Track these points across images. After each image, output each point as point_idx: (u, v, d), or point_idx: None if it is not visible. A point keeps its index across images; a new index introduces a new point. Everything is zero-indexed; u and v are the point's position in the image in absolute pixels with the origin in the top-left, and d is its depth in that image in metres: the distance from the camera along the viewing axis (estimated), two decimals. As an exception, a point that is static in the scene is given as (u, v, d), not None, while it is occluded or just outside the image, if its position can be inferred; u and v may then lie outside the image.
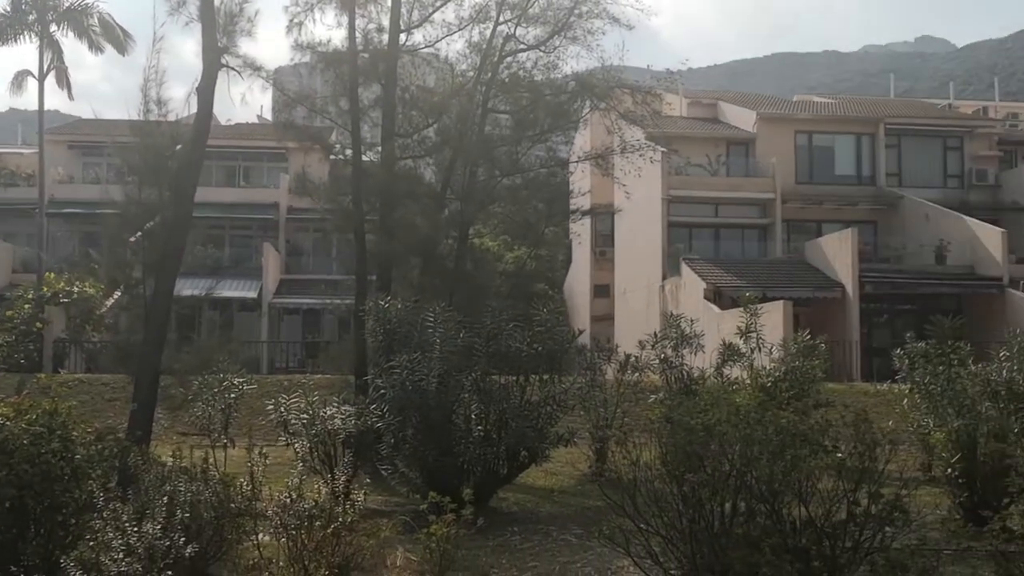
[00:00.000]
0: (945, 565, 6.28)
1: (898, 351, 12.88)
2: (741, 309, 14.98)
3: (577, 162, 26.20)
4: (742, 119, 39.77)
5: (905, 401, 12.09)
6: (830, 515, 6.04)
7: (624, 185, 25.61)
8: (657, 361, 14.01)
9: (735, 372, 13.91)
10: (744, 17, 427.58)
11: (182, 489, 7.64)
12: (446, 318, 11.18)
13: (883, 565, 5.77)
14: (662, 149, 28.93)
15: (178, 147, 15.61)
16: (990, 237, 32.61)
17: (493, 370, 11.07)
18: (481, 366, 10.85)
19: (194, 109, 15.37)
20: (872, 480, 6.09)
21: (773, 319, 22.16)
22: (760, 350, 14.25)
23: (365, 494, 8.85)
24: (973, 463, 9.61)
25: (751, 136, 38.52)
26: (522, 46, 21.22)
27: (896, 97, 53.85)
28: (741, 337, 14.25)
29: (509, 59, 21.08)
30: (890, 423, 11.16)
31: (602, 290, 43.54)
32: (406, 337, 11.22)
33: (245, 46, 31.65)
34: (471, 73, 21.56)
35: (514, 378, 11.13)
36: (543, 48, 21.27)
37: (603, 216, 37.46)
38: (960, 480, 9.83)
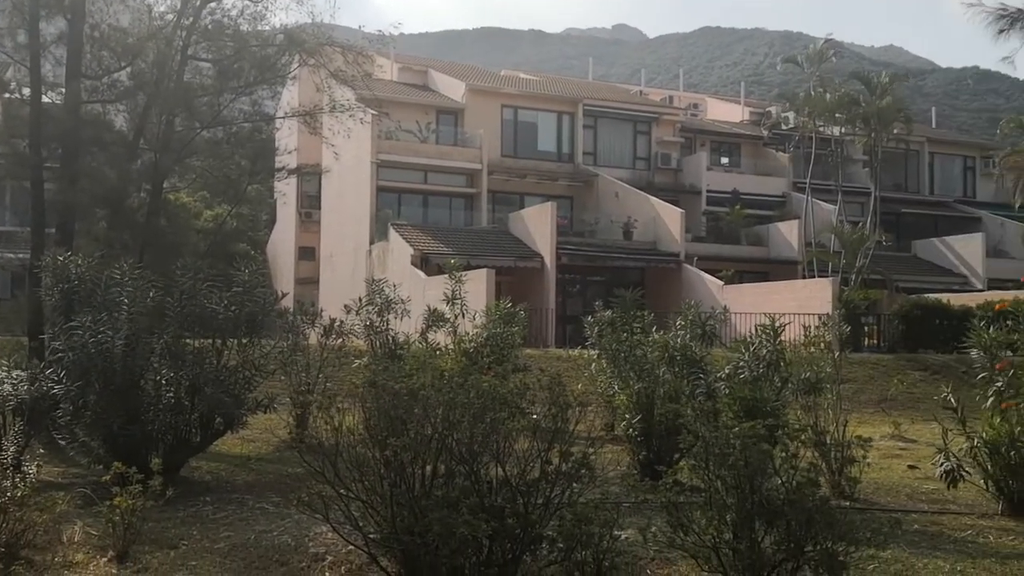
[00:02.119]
0: (624, 517, 6.72)
1: (588, 319, 13.68)
2: (447, 276, 15.23)
3: (284, 118, 25.36)
4: (452, 89, 40.40)
5: (593, 365, 12.87)
6: (524, 474, 6.26)
7: (333, 146, 25.18)
8: (362, 326, 13.91)
9: (440, 337, 14.14)
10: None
11: None
12: (135, 276, 10.40)
13: (570, 519, 6.06)
14: (373, 112, 28.66)
15: None
16: (671, 216, 35.54)
17: (187, 333, 10.46)
18: (174, 328, 10.21)
19: None
20: (563, 440, 6.38)
21: (477, 286, 22.78)
22: (464, 316, 14.59)
23: (39, 466, 8.07)
24: (651, 423, 10.40)
25: (460, 106, 39.22)
26: (228, -8, 20.15)
27: (594, 80, 57.02)
28: (446, 303, 14.50)
29: (213, 4, 19.86)
30: (580, 386, 11.87)
31: (307, 252, 42.72)
32: (88, 296, 10.32)
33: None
34: (171, 16, 20.10)
35: (210, 341, 10.58)
36: (250, -4, 20.27)
37: (310, 176, 36.65)
38: (639, 438, 10.62)
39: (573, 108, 40.50)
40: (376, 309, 13.97)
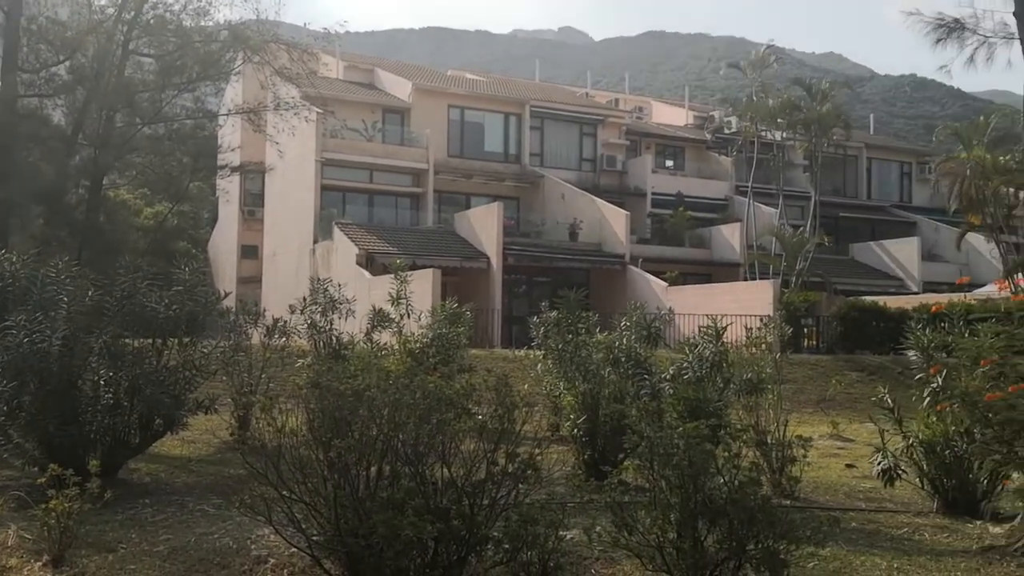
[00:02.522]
0: (570, 517, 6.73)
1: (534, 320, 13.70)
2: (392, 276, 15.13)
3: (227, 115, 25.08)
4: (398, 88, 40.23)
5: (539, 366, 12.90)
6: (470, 475, 6.25)
7: (277, 143, 24.94)
8: (306, 326, 13.76)
9: (385, 338, 14.05)
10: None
11: None
12: (73, 274, 10.17)
13: (516, 520, 6.06)
14: (318, 110, 28.43)
15: None
16: (616, 218, 35.80)
17: (126, 332, 10.25)
18: (113, 328, 10.00)
19: None
20: (510, 440, 6.37)
21: (423, 287, 22.70)
22: (409, 316, 14.51)
23: (-32, 469, 7.85)
24: (596, 423, 10.44)
25: (407, 105, 39.08)
26: (170, -14, 19.83)
27: (540, 82, 57.17)
28: (391, 303, 14.41)
29: (155, -1, 19.59)
30: (526, 387, 11.89)
31: (250, 251, 42.19)
32: (23, 295, 10.06)
33: None
34: (111, 10, 19.77)
35: (150, 341, 10.39)
36: (193, -9, 20.01)
37: (254, 174, 36.24)
38: (585, 439, 10.65)
39: (520, 109, 40.58)
40: (320, 309, 13.83)
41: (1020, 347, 7.71)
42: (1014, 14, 8.57)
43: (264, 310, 14.91)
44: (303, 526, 6.23)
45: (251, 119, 22.45)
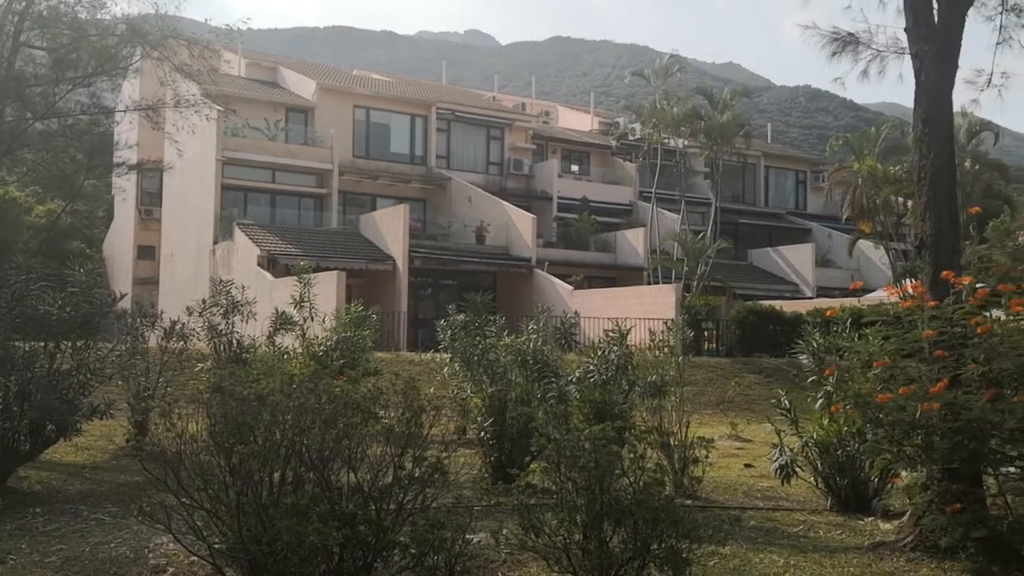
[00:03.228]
0: (477, 520, 6.74)
1: (441, 322, 13.68)
2: (295, 278, 14.90)
3: (124, 112, 24.29)
4: (302, 87, 39.67)
5: (446, 369, 12.89)
6: (377, 480, 6.19)
7: (176, 142, 24.27)
8: (205, 329, 13.43)
9: (287, 341, 13.82)
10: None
11: None
12: (-42, 275, 9.72)
13: (423, 524, 6.03)
14: (219, 108, 27.78)
15: None
16: (523, 221, 36.01)
17: (16, 335, 9.84)
18: (2, 331, 9.59)
19: None
20: (417, 445, 6.34)
21: (327, 289, 22.43)
22: (313, 319, 14.31)
23: None
24: (503, 426, 10.48)
25: (311, 105, 38.56)
26: (64, -23, 19.11)
27: (447, 84, 57.13)
28: (295, 306, 14.18)
29: (49, -11, 18.87)
30: (432, 390, 11.85)
31: (147, 252, 41.00)
32: (-96, 295, 9.58)
33: None
34: (1, 1, 18.94)
35: (42, 344, 9.99)
36: (89, -18, 19.35)
37: (151, 173, 35.20)
38: (492, 442, 10.67)
39: (426, 111, 40.46)
40: (221, 311, 13.52)
41: (909, 351, 8.03)
42: (905, 29, 8.92)
43: (161, 312, 14.50)
44: (204, 534, 6.08)
45: (149, 116, 21.80)
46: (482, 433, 10.73)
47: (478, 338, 11.90)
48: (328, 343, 13.55)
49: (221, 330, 13.37)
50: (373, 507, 6.10)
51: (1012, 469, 7.57)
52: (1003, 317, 7.66)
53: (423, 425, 6.40)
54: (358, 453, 6.25)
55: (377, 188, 38.67)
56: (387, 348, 23.99)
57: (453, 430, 12.00)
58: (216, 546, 6.11)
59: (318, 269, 19.56)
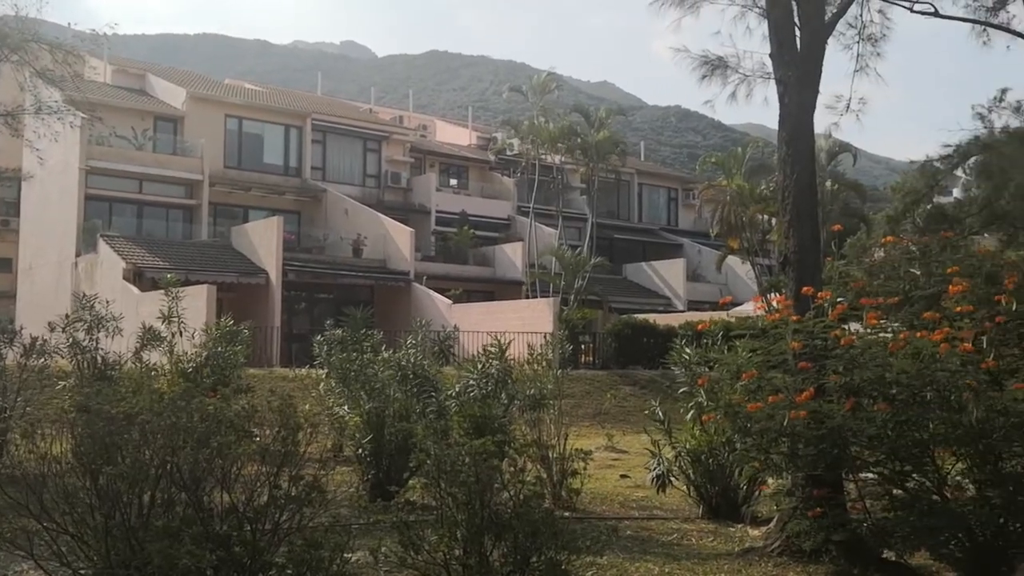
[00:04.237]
0: (356, 539, 6.66)
1: (318, 338, 13.46)
2: (163, 292, 14.41)
3: (-21, 118, 23.05)
4: (172, 95, 38.50)
5: (322, 385, 12.68)
6: (252, 500, 6.03)
7: (37, 150, 23.18)
8: (68, 345, 12.83)
9: (155, 357, 13.33)
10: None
11: None
12: None
13: (300, 544, 5.91)
14: (83, 115, 26.68)
15: None
16: (400, 235, 35.82)
17: None
18: None
19: None
20: (293, 463, 6.21)
21: (197, 303, 21.78)
22: (182, 335, 13.86)
23: None
24: (381, 442, 10.38)
25: (181, 113, 37.46)
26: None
27: (323, 95, 56.44)
28: (162, 321, 13.71)
29: None
30: (307, 406, 11.62)
31: (4, 264, 38.95)
32: None
33: None
34: None
35: None
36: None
37: (9, 182, 33.50)
38: (370, 458, 10.56)
39: (301, 122, 39.84)
40: (84, 326, 12.94)
41: (775, 362, 8.35)
42: (770, 55, 9.33)
43: (20, 328, 13.78)
44: (69, 559, 5.80)
45: (8, 122, 20.77)
46: (360, 450, 10.61)
47: (355, 353, 11.76)
48: (198, 359, 13.15)
49: (85, 346, 12.80)
50: (248, 527, 5.94)
51: (870, 474, 7.96)
52: (861, 330, 8.07)
53: (300, 443, 6.28)
54: (232, 472, 6.08)
55: (250, 200, 37.80)
56: (260, 364, 23.43)
57: (330, 447, 11.79)
58: (82, 572, 5.84)
59: (187, 283, 19.00)
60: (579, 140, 40.18)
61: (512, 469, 6.45)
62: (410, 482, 9.31)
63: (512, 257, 39.30)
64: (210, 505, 6.05)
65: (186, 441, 5.85)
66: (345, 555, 6.13)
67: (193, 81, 42.38)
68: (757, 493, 10.24)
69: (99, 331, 13.09)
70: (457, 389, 10.36)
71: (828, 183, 37.53)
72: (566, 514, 9.35)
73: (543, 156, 41.33)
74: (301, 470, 6.24)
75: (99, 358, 12.88)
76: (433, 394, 10.47)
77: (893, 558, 7.90)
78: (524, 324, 26.22)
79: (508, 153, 45.64)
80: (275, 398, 6.48)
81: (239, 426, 6.11)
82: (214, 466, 5.98)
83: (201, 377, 12.67)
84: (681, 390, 10.81)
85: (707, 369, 10.63)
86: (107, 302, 13.78)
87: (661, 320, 31.19)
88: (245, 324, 14.93)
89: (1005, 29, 9.69)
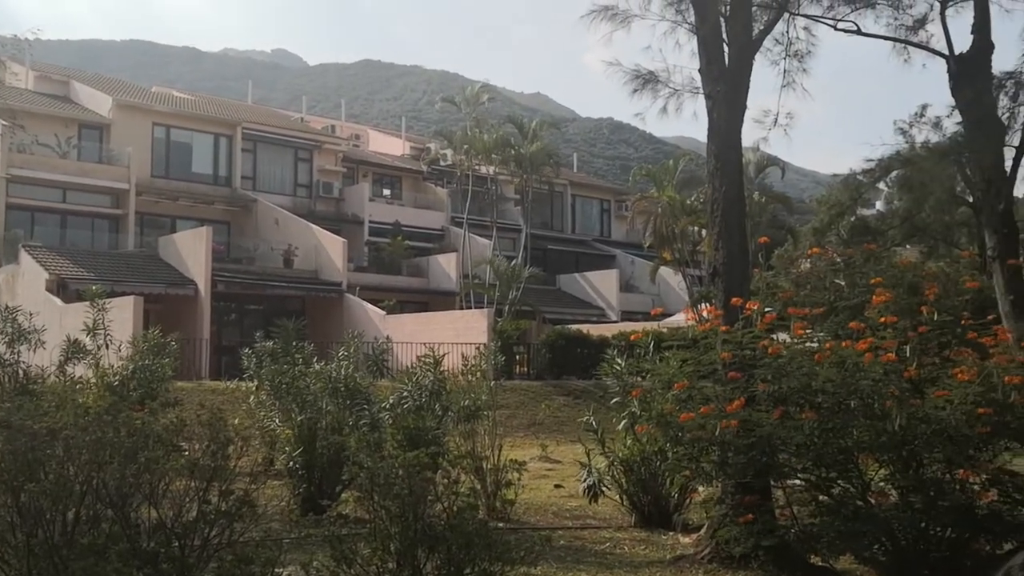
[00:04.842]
0: (287, 553, 6.57)
1: (247, 350, 13.27)
2: (88, 303, 14.08)
3: None
4: (97, 102, 37.66)
5: (252, 398, 12.50)
6: (181, 516, 5.92)
7: (-46, 157, 22.45)
8: (-14, 358, 12.43)
9: (79, 371, 13.01)
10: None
11: None
12: None
13: (231, 560, 5.82)
14: (3, 122, 25.97)
15: None
16: (333, 245, 35.51)
17: None
18: None
19: None
20: (223, 478, 6.12)
21: (123, 315, 21.32)
22: (108, 347, 13.56)
23: None
24: (313, 455, 10.27)
25: (107, 121, 36.66)
26: None
27: (253, 103, 55.75)
28: (87, 333, 13.38)
29: None
30: (237, 420, 11.45)
31: (-83, 275, 37.51)
32: None
33: None
34: None
35: None
36: None
37: (-76, 190, 32.41)
38: (301, 472, 10.44)
39: (231, 131, 39.30)
40: (6, 339, 12.56)
41: (705, 372, 8.49)
42: (699, 70, 9.51)
43: (-64, 342, 13.33)
44: (-13, 581, 5.63)
45: (-78, 128, 20.10)
46: (291, 463, 10.48)
47: (287, 365, 11.63)
48: (124, 373, 12.86)
49: (6, 360, 12.43)
50: (176, 544, 5.83)
51: (798, 481, 8.13)
52: (788, 340, 8.25)
53: (230, 457, 6.19)
54: (160, 488, 5.97)
55: (178, 209, 37.13)
56: (189, 377, 23.00)
57: (261, 461, 11.62)
58: (1, 593, 5.67)
59: (113, 294, 18.58)
60: (513, 151, 40.36)
61: (446, 481, 6.44)
62: (343, 495, 9.22)
63: (446, 268, 39.24)
64: (137, 521, 5.93)
65: (112, 456, 5.73)
66: (276, 570, 6.05)
67: (119, 88, 41.50)
68: (688, 501, 10.39)
69: (21, 344, 12.73)
70: (391, 401, 10.30)
71: (756, 195, 38.24)
72: (500, 525, 9.35)
73: (477, 167, 41.40)
74: (231, 484, 6.15)
75: (21, 372, 12.52)
76: (366, 407, 10.39)
77: (820, 563, 8.07)
78: (458, 335, 26.21)
79: (442, 163, 45.61)
80: (204, 411, 6.39)
81: (167, 440, 6.01)
82: (141, 481, 5.86)
83: (128, 391, 12.40)
84: (614, 400, 10.91)
85: (640, 379, 10.76)
86: (30, 314, 13.41)
87: (595, 331, 31.43)
88: (173, 336, 14.65)
89: (924, 47, 10.02)
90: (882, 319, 7.80)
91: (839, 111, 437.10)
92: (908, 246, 28.95)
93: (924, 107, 25.81)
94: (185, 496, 6.02)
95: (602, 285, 43.94)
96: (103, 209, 35.31)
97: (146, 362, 13.19)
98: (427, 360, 10.59)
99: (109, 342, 13.66)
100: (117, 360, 13.36)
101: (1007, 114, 9.28)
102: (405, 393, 10.27)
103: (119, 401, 9.98)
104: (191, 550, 5.89)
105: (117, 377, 12.76)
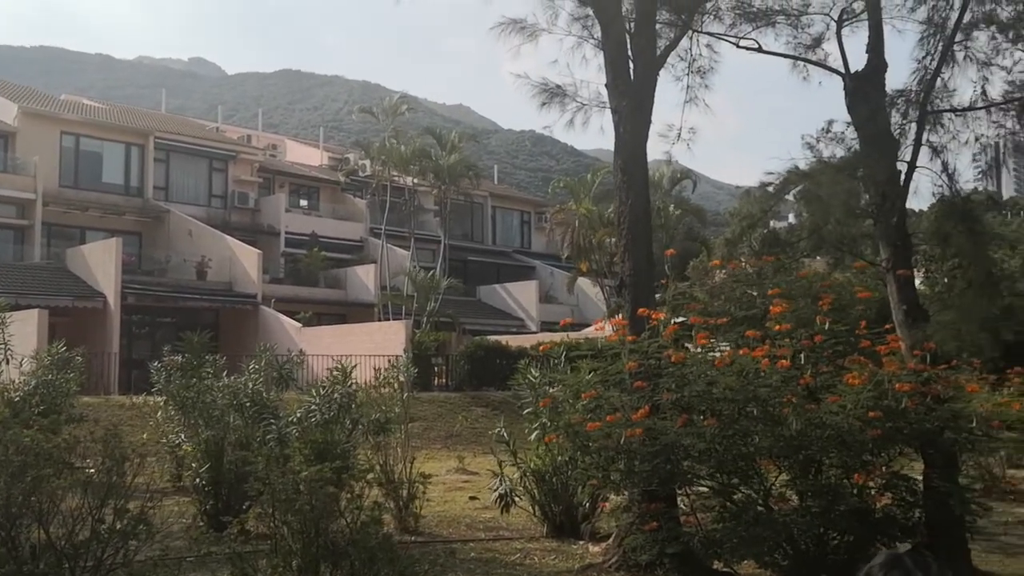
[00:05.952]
0: (189, 572, 6.47)
1: (156, 364, 12.96)
2: (-12, 317, 13.61)
3: None
4: (2, 110, 36.48)
5: (160, 413, 12.23)
6: (73, 535, 5.77)
7: None
8: None
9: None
10: (10, 1, 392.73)
11: None
12: None
13: (127, 580, 5.70)
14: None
15: None
16: (248, 256, 34.94)
17: None
18: None
19: None
20: (119, 495, 5.99)
21: (26, 328, 20.66)
22: (9, 362, 13.14)
23: None
24: (220, 471, 10.08)
25: (12, 130, 35.54)
26: None
27: (168, 112, 54.62)
28: (-13, 348, 12.95)
29: None
30: (144, 435, 11.20)
31: None
32: None
33: None
34: None
35: None
36: None
37: None
38: (207, 488, 10.23)
39: (143, 140, 38.41)
40: None
41: (613, 381, 8.61)
42: (605, 85, 9.66)
43: None
44: None
45: None
46: (197, 480, 10.27)
47: (194, 379, 11.40)
48: (26, 388, 12.46)
49: None
50: (67, 565, 5.69)
51: (702, 488, 8.29)
52: (692, 349, 8.42)
53: (126, 474, 6.06)
54: (51, 507, 5.80)
55: (87, 220, 36.12)
56: (96, 392, 22.36)
57: (167, 478, 11.38)
58: None
59: (17, 307, 18.00)
60: (432, 163, 40.30)
61: (350, 495, 6.40)
62: (248, 512, 9.07)
63: (364, 279, 38.93)
64: (27, 542, 5.76)
65: (0, 475, 5.56)
66: (174, 589, 5.95)
67: (26, 95, 40.23)
68: (599, 510, 10.48)
69: (-88, 361, 12.27)
70: (299, 415, 10.17)
71: (671, 208, 38.89)
72: (411, 538, 9.33)
73: (395, 178, 41.21)
74: (127, 502, 6.02)
75: (-88, 389, 12.04)
76: (273, 421, 10.24)
77: (723, 568, 8.23)
78: (376, 347, 26.01)
79: (360, 174, 45.25)
80: (99, 428, 6.24)
81: (59, 458, 5.85)
82: (30, 501, 5.70)
83: (30, 407, 12.02)
84: (526, 411, 10.97)
85: (551, 389, 10.83)
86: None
87: (514, 341, 31.52)
88: (79, 350, 14.25)
89: (821, 65, 10.34)
90: (777, 327, 8.02)
91: (757, 125, 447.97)
92: (818, 257, 29.73)
93: (830, 122, 26.51)
94: (78, 515, 5.87)
95: (522, 296, 44.12)
96: (8, 219, 34.18)
97: (49, 377, 12.81)
98: (337, 372, 10.49)
99: (10, 357, 13.25)
100: (19, 375, 12.95)
101: (898, 131, 9.60)
102: (313, 407, 10.15)
103: (10, 418, 9.66)
104: (83, 571, 5.75)
105: (18, 393, 12.36)
